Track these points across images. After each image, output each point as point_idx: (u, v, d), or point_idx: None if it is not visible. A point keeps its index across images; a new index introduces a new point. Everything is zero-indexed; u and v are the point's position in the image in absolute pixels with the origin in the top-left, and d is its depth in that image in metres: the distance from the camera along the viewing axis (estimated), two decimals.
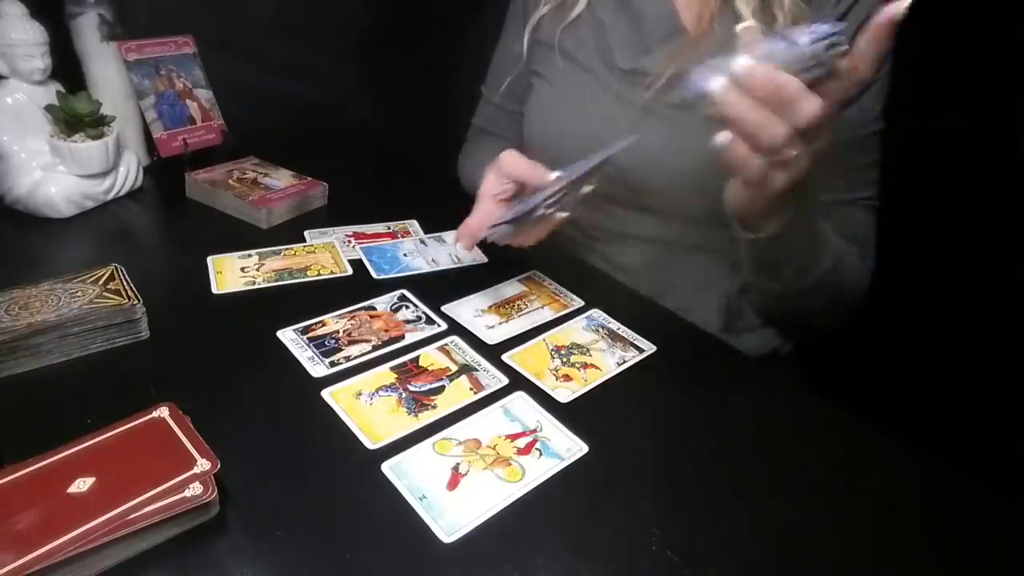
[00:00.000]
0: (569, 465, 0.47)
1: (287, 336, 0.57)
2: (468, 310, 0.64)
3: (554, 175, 0.58)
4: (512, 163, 0.60)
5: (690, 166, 0.67)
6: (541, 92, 0.79)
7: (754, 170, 0.45)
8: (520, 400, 0.53)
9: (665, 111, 0.70)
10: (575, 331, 0.62)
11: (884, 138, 0.70)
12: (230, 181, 0.82)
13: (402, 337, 0.59)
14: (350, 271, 0.69)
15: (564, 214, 0.60)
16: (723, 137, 0.45)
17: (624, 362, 0.59)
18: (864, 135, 0.69)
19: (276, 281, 0.66)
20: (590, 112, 0.74)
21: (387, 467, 0.45)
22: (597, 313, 0.65)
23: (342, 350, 0.56)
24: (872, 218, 0.72)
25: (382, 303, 0.64)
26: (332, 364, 0.54)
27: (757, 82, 0.42)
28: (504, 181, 0.61)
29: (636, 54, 0.72)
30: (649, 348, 0.61)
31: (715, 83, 0.43)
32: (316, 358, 0.55)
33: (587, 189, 0.59)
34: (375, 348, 0.57)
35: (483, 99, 0.93)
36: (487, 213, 0.62)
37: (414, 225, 0.80)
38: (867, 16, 0.66)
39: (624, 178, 0.71)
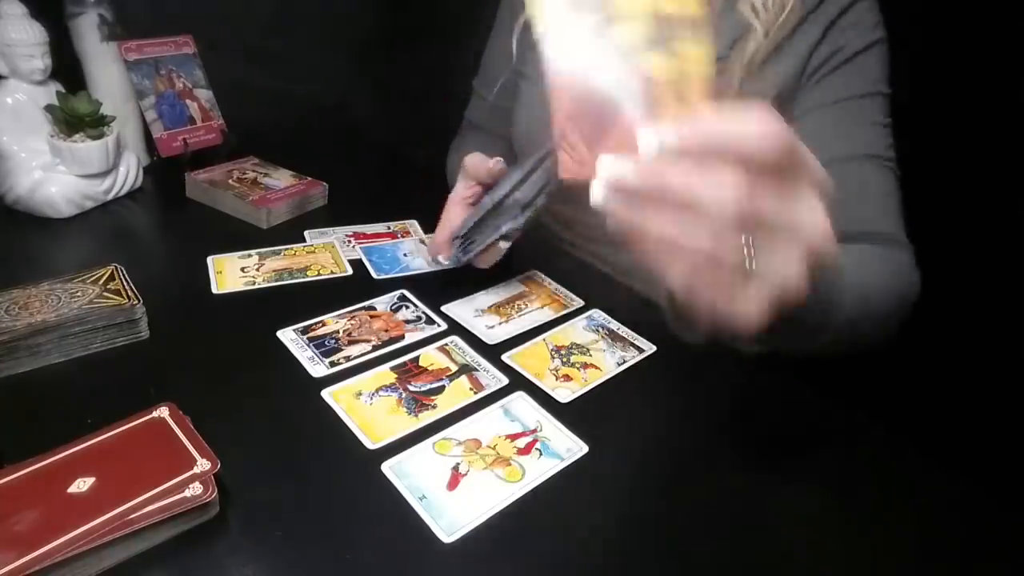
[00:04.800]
0: (569, 465, 0.47)
1: (287, 336, 0.57)
2: (468, 310, 0.64)
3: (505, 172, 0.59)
4: (475, 165, 0.61)
5: None
6: (526, 92, 0.79)
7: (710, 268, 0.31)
8: (520, 400, 0.53)
9: None
10: (575, 331, 0.62)
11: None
12: (230, 181, 0.82)
13: (402, 337, 0.59)
14: (350, 271, 0.69)
15: (507, 244, 0.61)
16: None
17: (624, 362, 0.59)
18: (864, 94, 0.64)
19: (276, 281, 0.66)
20: None
21: (387, 467, 0.45)
22: (597, 313, 0.65)
23: (342, 350, 0.56)
24: (893, 183, 0.65)
25: (382, 303, 0.64)
26: (332, 364, 0.54)
27: (687, 142, 0.30)
28: (471, 184, 0.62)
29: None
30: (649, 348, 0.61)
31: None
32: (316, 358, 0.55)
33: (540, 203, 0.60)
34: (375, 348, 0.57)
35: (475, 94, 0.92)
36: (452, 218, 0.63)
37: (414, 225, 0.80)
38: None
39: None
